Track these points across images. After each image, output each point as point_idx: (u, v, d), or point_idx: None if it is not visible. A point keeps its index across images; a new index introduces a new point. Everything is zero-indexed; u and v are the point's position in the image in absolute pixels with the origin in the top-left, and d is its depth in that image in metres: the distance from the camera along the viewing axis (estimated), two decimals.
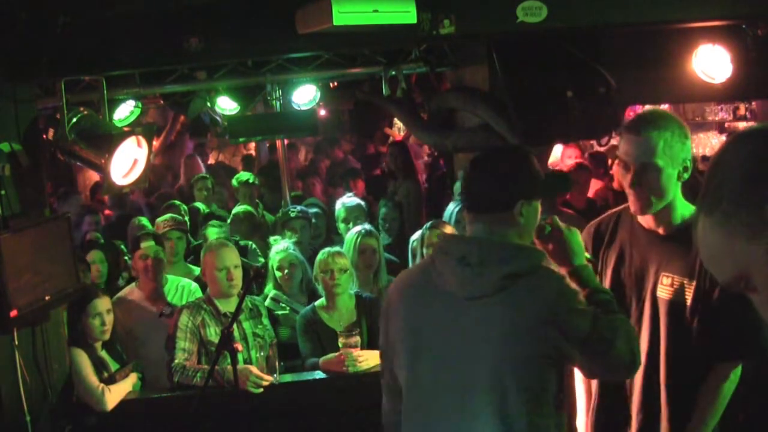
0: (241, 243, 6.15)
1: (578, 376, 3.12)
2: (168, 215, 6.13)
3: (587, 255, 2.74)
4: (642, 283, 2.88)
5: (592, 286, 2.57)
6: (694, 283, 2.77)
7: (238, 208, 7.04)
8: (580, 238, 2.67)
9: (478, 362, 2.38)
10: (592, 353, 2.40)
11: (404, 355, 2.52)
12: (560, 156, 8.16)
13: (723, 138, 10.38)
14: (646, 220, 2.90)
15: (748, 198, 1.26)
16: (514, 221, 2.45)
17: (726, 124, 10.71)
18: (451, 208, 5.63)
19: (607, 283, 2.96)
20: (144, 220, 6.60)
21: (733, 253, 1.30)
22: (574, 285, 2.51)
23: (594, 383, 3.05)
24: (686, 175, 2.78)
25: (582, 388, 3.13)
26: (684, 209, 2.84)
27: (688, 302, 2.77)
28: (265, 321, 4.69)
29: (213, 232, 6.11)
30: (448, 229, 4.73)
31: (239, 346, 4.09)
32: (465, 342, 2.39)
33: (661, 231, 2.87)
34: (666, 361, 2.83)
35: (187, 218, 6.73)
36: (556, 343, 2.35)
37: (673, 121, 2.78)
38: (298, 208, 6.48)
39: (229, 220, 6.67)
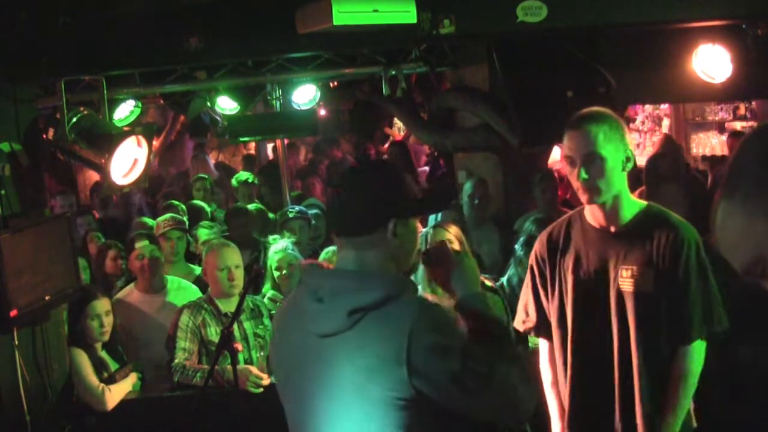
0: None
1: (544, 357, 3.19)
2: (168, 215, 6.12)
3: (487, 283, 2.70)
4: (603, 280, 2.97)
5: (486, 315, 2.24)
6: (652, 271, 2.88)
7: (252, 206, 7.05)
8: (474, 264, 2.40)
9: (334, 405, 2.15)
10: (463, 394, 2.05)
11: (278, 380, 2.41)
12: (560, 156, 8.16)
13: (723, 138, 10.38)
14: (597, 219, 2.99)
15: (767, 180, 1.28)
16: (386, 243, 2.16)
17: (726, 124, 10.70)
18: None
19: (569, 288, 3.04)
20: (146, 220, 6.60)
21: (753, 234, 1.30)
22: (446, 315, 2.17)
23: (570, 376, 3.08)
24: (629, 165, 2.91)
25: (552, 392, 3.18)
26: (631, 206, 2.96)
27: (651, 289, 2.88)
28: (267, 321, 4.68)
29: (204, 233, 6.09)
30: (453, 229, 4.72)
31: (239, 346, 4.09)
32: (321, 382, 2.16)
33: (612, 229, 2.97)
34: (637, 350, 2.91)
35: (185, 218, 6.72)
36: (414, 384, 2.02)
37: (609, 115, 2.92)
38: (297, 208, 6.48)
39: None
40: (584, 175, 2.85)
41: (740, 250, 1.34)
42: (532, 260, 3.19)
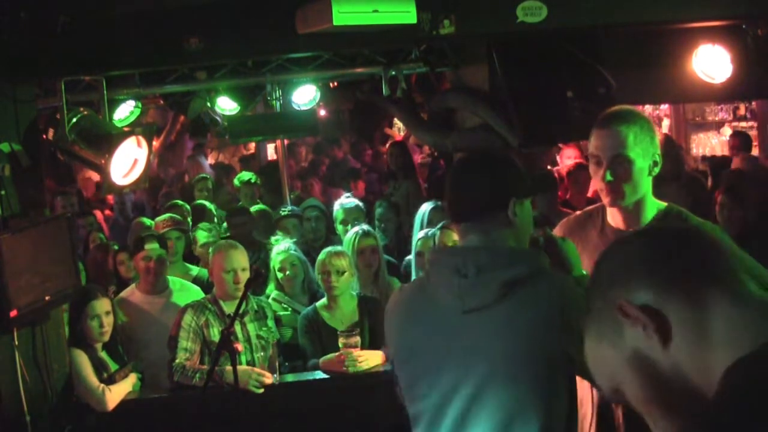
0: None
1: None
2: (167, 215, 6.13)
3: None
4: None
5: None
6: None
7: (255, 207, 7.04)
8: (575, 249, 2.59)
9: (482, 377, 2.26)
10: None
11: (405, 377, 2.43)
12: (559, 156, 8.16)
13: (723, 138, 10.39)
14: (616, 221, 2.93)
15: (611, 297, 1.22)
16: (509, 222, 2.33)
17: (726, 124, 10.71)
18: (425, 207, 5.57)
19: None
20: (148, 221, 6.59)
21: (603, 361, 1.25)
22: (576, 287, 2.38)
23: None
24: (656, 170, 2.84)
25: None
26: (653, 208, 2.89)
27: None
28: (270, 323, 4.68)
29: (202, 236, 6.09)
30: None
31: (240, 347, 4.09)
32: (467, 357, 2.28)
33: (632, 230, 2.88)
34: None
35: (189, 218, 6.73)
36: (564, 348, 2.23)
37: (641, 116, 2.86)
38: (289, 207, 6.50)
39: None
40: (609, 177, 2.77)
41: (597, 375, 1.28)
42: None
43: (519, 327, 2.24)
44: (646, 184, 2.84)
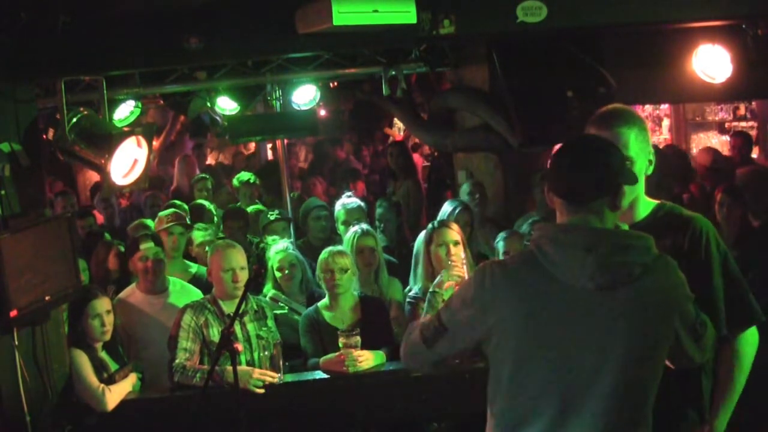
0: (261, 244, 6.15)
1: None
2: (171, 210, 6.07)
3: None
4: None
5: None
6: None
7: (250, 208, 7.03)
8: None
9: (601, 353, 2.36)
10: (694, 338, 2.51)
11: (515, 345, 2.42)
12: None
13: (723, 138, 10.38)
14: None
15: None
16: (615, 206, 2.44)
17: (726, 124, 10.71)
18: (448, 208, 5.59)
19: None
20: (146, 221, 6.58)
21: None
22: None
23: None
24: (651, 169, 2.89)
25: None
26: (645, 205, 2.93)
27: None
28: (270, 323, 4.68)
29: (199, 235, 6.08)
30: (454, 227, 4.73)
31: (239, 347, 4.08)
32: (590, 333, 2.37)
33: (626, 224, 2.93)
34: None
35: (188, 218, 6.72)
36: (677, 332, 2.44)
37: (637, 116, 2.89)
38: (277, 211, 6.50)
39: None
40: None
41: None
42: None
43: (646, 308, 2.37)
44: (641, 183, 2.87)
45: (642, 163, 2.84)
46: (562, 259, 2.39)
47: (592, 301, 2.36)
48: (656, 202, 2.96)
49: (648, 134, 2.88)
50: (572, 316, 2.38)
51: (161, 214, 5.99)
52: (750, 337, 2.90)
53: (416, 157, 10.00)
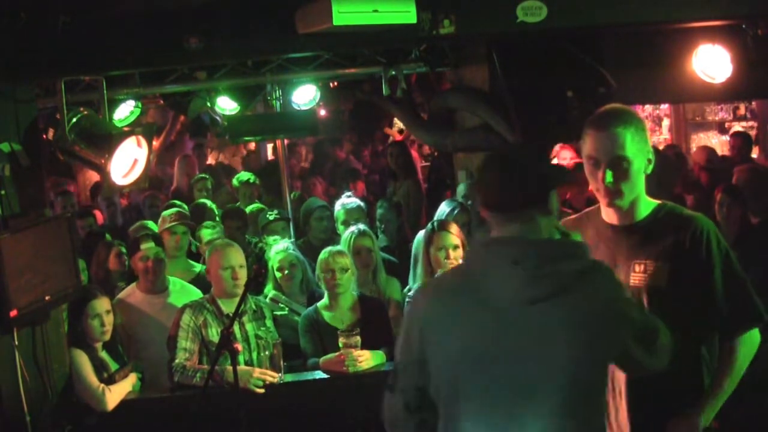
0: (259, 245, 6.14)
1: None
2: (174, 209, 6.08)
3: None
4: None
5: None
6: (669, 265, 2.83)
7: (249, 207, 7.02)
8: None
9: (538, 366, 2.26)
10: (643, 345, 2.41)
11: (449, 367, 2.35)
12: (557, 156, 8.17)
13: (723, 138, 10.39)
14: (611, 218, 2.95)
15: None
16: (549, 213, 2.37)
17: (726, 124, 10.72)
18: (445, 209, 5.58)
19: None
20: (147, 222, 6.58)
21: None
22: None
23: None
24: (650, 168, 2.87)
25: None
26: (647, 204, 2.92)
27: (664, 284, 2.82)
28: (269, 323, 4.68)
29: (207, 233, 6.08)
30: (454, 229, 4.72)
31: (239, 347, 4.08)
32: (528, 347, 2.26)
33: (627, 224, 2.93)
34: None
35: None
36: (620, 338, 2.34)
37: (635, 115, 2.88)
38: (276, 211, 6.50)
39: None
40: (610, 179, 2.79)
41: None
42: None
43: (582, 317, 2.26)
44: (641, 183, 2.87)
45: (640, 163, 2.83)
46: (490, 276, 2.31)
47: (526, 316, 2.26)
48: (657, 202, 2.96)
49: (646, 134, 2.87)
50: (506, 333, 2.27)
51: (164, 213, 5.99)
52: (748, 339, 2.89)
53: (414, 155, 9.99)
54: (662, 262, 2.84)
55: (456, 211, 5.49)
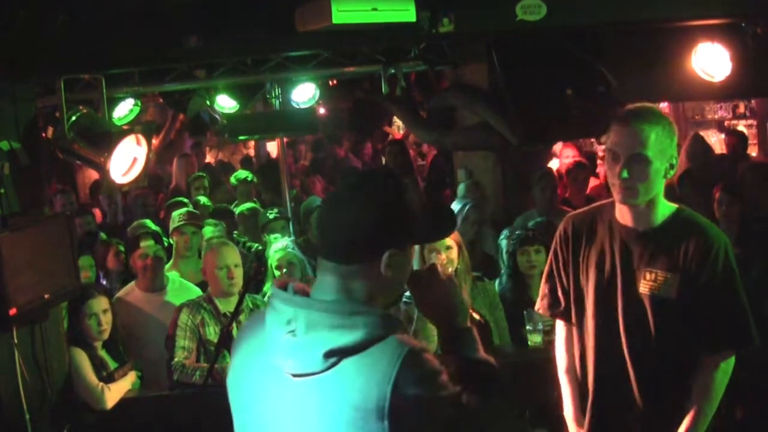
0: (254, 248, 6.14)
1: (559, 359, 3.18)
2: (183, 209, 6.08)
3: (475, 316, 2.55)
4: (625, 281, 2.89)
5: (470, 356, 1.95)
6: (678, 276, 2.81)
7: (243, 206, 7.03)
8: (465, 295, 2.10)
9: None
10: None
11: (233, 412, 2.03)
12: (558, 155, 8.17)
13: (722, 137, 10.39)
14: (625, 219, 2.92)
15: None
16: (377, 275, 1.85)
17: (725, 123, 10.72)
18: (455, 207, 5.62)
19: (590, 283, 2.97)
20: (146, 221, 6.58)
21: None
22: (433, 363, 1.81)
23: (590, 372, 3.04)
24: (671, 173, 2.84)
25: (565, 378, 3.15)
26: (664, 209, 2.89)
27: (674, 295, 2.81)
28: None
29: (209, 231, 6.08)
30: (453, 234, 4.72)
31: None
32: (288, 424, 1.86)
33: (640, 229, 2.90)
34: (654, 356, 2.86)
35: None
36: None
37: (664, 117, 2.83)
38: (276, 209, 6.50)
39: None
40: (626, 174, 2.75)
41: None
42: (555, 241, 3.11)
43: (342, 404, 1.78)
44: (659, 185, 2.82)
45: (661, 165, 2.77)
46: (270, 333, 1.89)
47: (290, 387, 1.84)
48: (675, 206, 2.92)
49: (674, 137, 2.81)
50: (271, 400, 1.89)
51: (174, 213, 5.97)
52: (730, 363, 2.86)
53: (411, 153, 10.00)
54: (672, 273, 2.81)
55: (468, 208, 5.51)
